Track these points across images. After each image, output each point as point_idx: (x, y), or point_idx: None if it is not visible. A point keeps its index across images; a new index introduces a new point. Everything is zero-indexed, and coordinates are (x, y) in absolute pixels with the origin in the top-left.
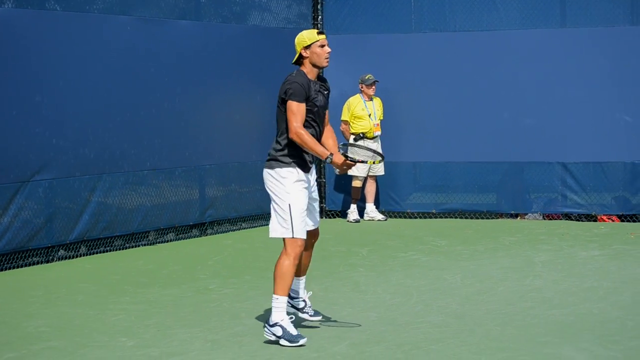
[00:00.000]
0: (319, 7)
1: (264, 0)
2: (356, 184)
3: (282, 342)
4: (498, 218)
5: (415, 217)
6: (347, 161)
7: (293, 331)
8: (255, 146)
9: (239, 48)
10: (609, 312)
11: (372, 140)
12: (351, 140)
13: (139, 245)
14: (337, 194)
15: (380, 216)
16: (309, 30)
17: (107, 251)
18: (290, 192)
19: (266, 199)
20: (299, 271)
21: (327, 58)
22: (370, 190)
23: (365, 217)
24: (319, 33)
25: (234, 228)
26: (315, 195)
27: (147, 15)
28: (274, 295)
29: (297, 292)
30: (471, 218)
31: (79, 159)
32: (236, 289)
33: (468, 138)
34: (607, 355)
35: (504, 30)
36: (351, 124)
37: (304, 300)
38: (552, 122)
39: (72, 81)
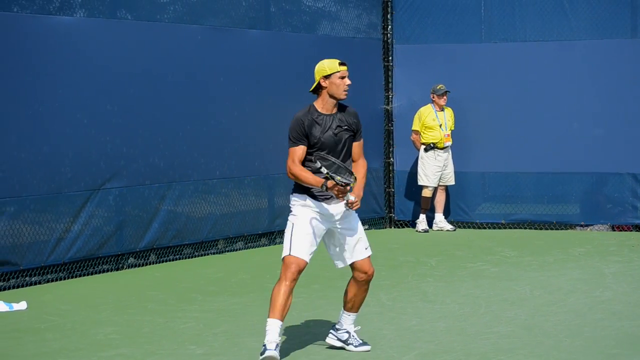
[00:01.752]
0: (388, 16)
1: (334, 10)
2: (426, 193)
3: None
4: (567, 229)
5: (484, 228)
6: (339, 186)
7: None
8: None
9: (309, 57)
10: None
11: (442, 151)
12: (422, 151)
13: (208, 254)
14: (406, 203)
15: (449, 226)
16: (331, 60)
17: (176, 259)
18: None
19: None
20: (351, 307)
21: (345, 91)
22: (440, 200)
23: (434, 227)
24: (340, 64)
25: None
26: (346, 226)
27: (218, 24)
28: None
29: (342, 324)
30: (540, 229)
31: (149, 168)
32: (305, 297)
33: (537, 148)
34: None
35: (574, 40)
36: (422, 134)
37: (347, 332)
38: (622, 132)
39: (142, 90)
